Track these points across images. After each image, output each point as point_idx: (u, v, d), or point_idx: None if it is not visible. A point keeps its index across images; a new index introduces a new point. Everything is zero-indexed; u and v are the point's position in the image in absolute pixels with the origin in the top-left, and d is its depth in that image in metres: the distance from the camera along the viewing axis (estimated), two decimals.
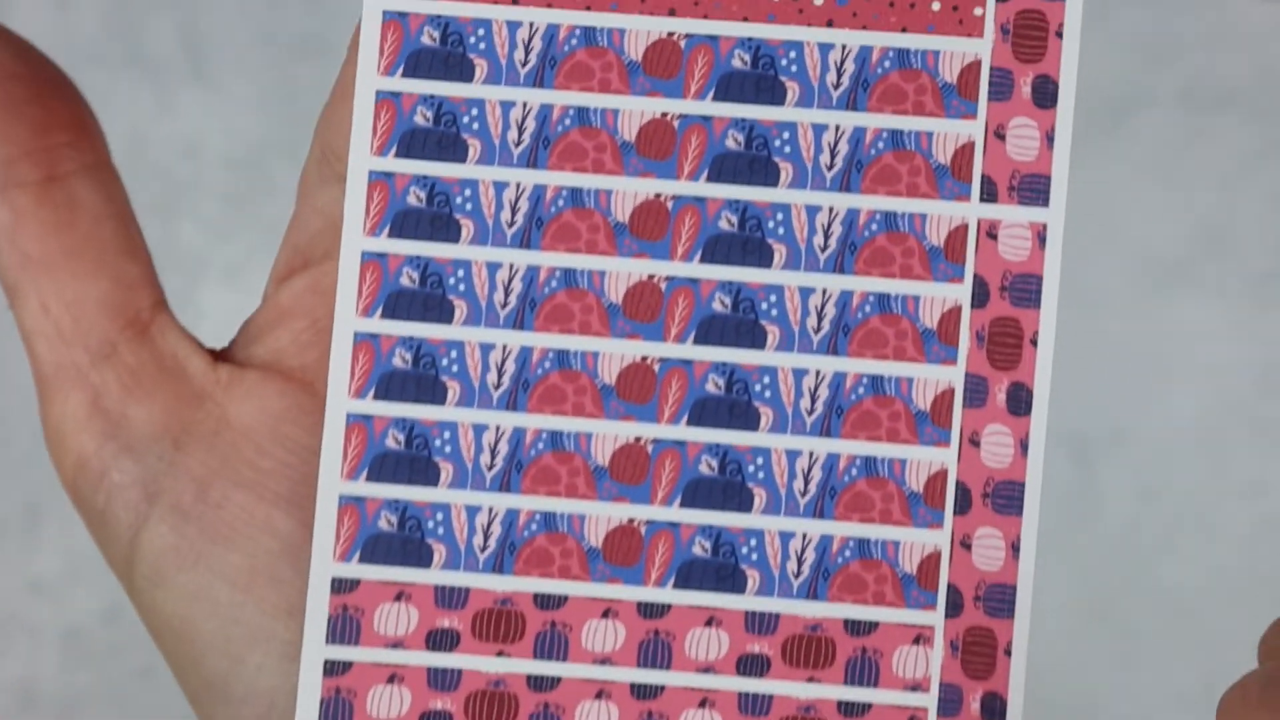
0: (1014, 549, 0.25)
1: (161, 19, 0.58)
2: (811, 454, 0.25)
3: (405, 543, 0.25)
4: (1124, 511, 0.66)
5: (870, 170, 0.26)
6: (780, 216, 0.25)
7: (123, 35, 0.56)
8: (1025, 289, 0.26)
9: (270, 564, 0.25)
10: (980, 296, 0.26)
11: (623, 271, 0.26)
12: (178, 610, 0.25)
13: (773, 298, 0.25)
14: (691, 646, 0.25)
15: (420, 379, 0.25)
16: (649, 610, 0.25)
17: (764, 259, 0.25)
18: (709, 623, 0.25)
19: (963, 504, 0.25)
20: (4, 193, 0.25)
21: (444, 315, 0.25)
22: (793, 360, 0.25)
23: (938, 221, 0.26)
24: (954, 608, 0.25)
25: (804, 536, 0.25)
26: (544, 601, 0.25)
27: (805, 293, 0.25)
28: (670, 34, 0.26)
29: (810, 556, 0.25)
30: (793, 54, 0.25)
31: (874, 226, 0.25)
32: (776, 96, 0.26)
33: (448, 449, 0.25)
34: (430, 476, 0.25)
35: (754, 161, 0.26)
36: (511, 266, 0.26)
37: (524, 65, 0.26)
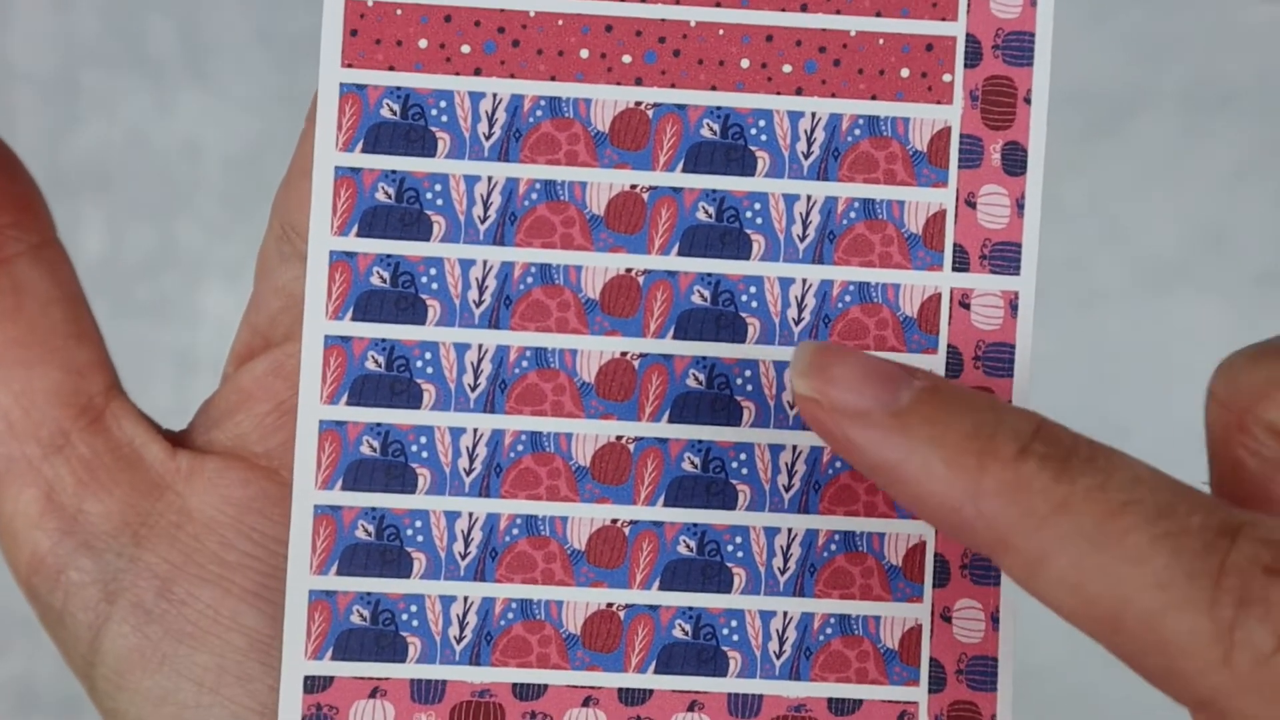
0: (993, 620, 0.25)
1: (161, 19, 0.56)
2: (790, 531, 0.25)
3: (379, 636, 0.24)
4: None
5: (843, 240, 0.25)
6: (754, 290, 0.25)
7: (123, 35, 0.55)
8: (998, 358, 0.25)
9: (238, 662, 0.24)
10: (954, 367, 0.25)
11: (594, 344, 0.25)
12: (142, 713, 0.24)
13: (747, 372, 0.25)
14: None
15: (390, 467, 0.25)
16: (630, 697, 0.25)
17: (738, 334, 0.25)
18: (691, 707, 0.25)
19: (941, 576, 0.25)
20: None
21: (412, 398, 0.25)
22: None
23: (911, 291, 0.25)
24: (936, 682, 0.25)
25: (785, 615, 0.25)
26: (523, 692, 0.25)
27: (780, 366, 0.25)
28: (638, 103, 0.25)
29: (792, 635, 0.25)
30: (762, 123, 0.25)
31: (847, 298, 0.25)
32: (747, 166, 0.25)
33: (419, 538, 0.25)
34: (403, 567, 0.25)
35: (725, 234, 0.25)
36: (481, 347, 0.25)
37: (488, 138, 0.25)
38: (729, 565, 0.25)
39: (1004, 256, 0.25)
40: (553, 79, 0.25)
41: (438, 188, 0.25)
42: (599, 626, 0.25)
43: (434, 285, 0.25)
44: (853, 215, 0.25)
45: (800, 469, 0.25)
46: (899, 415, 0.22)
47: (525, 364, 0.25)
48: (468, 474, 0.25)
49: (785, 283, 0.25)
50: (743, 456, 0.25)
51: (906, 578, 0.25)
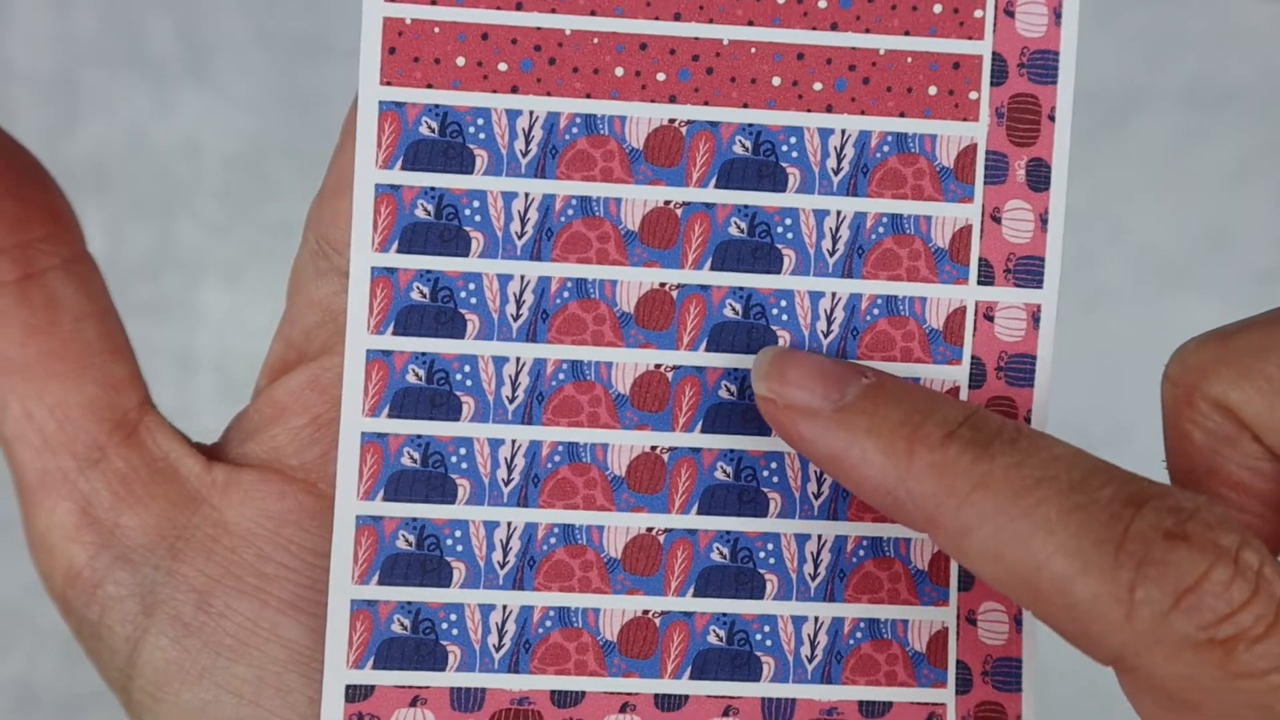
0: (1016, 622, 0.26)
1: (161, 19, 0.56)
2: (820, 537, 0.26)
3: (420, 645, 0.25)
4: None
5: (871, 255, 0.26)
6: (784, 303, 0.26)
7: (123, 35, 0.54)
8: (1020, 369, 0.26)
9: (277, 674, 0.24)
10: (977, 377, 0.26)
11: (628, 360, 0.25)
12: None
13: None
14: None
15: (430, 478, 0.25)
16: (666, 703, 0.25)
17: (768, 338, 0.26)
18: (726, 712, 0.25)
19: (966, 580, 0.26)
20: None
21: (451, 410, 0.25)
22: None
23: (937, 304, 0.26)
24: (963, 684, 0.26)
25: (816, 620, 0.26)
26: (561, 699, 0.25)
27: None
28: (671, 120, 0.25)
29: (823, 640, 0.26)
30: (793, 139, 0.25)
31: (875, 311, 0.26)
32: (778, 183, 0.26)
33: (459, 548, 0.25)
34: (443, 577, 0.25)
35: (757, 249, 0.26)
36: (518, 360, 0.25)
37: (525, 155, 0.25)
38: (761, 571, 0.26)
39: (1027, 270, 0.26)
40: (588, 96, 0.25)
41: (476, 204, 0.25)
42: (635, 634, 0.25)
43: (473, 300, 0.25)
44: (881, 230, 0.26)
45: (829, 476, 0.26)
46: (842, 409, 0.24)
47: (562, 376, 0.25)
48: (506, 484, 0.25)
49: (815, 296, 0.26)
50: (773, 465, 0.26)
51: (932, 581, 0.26)
